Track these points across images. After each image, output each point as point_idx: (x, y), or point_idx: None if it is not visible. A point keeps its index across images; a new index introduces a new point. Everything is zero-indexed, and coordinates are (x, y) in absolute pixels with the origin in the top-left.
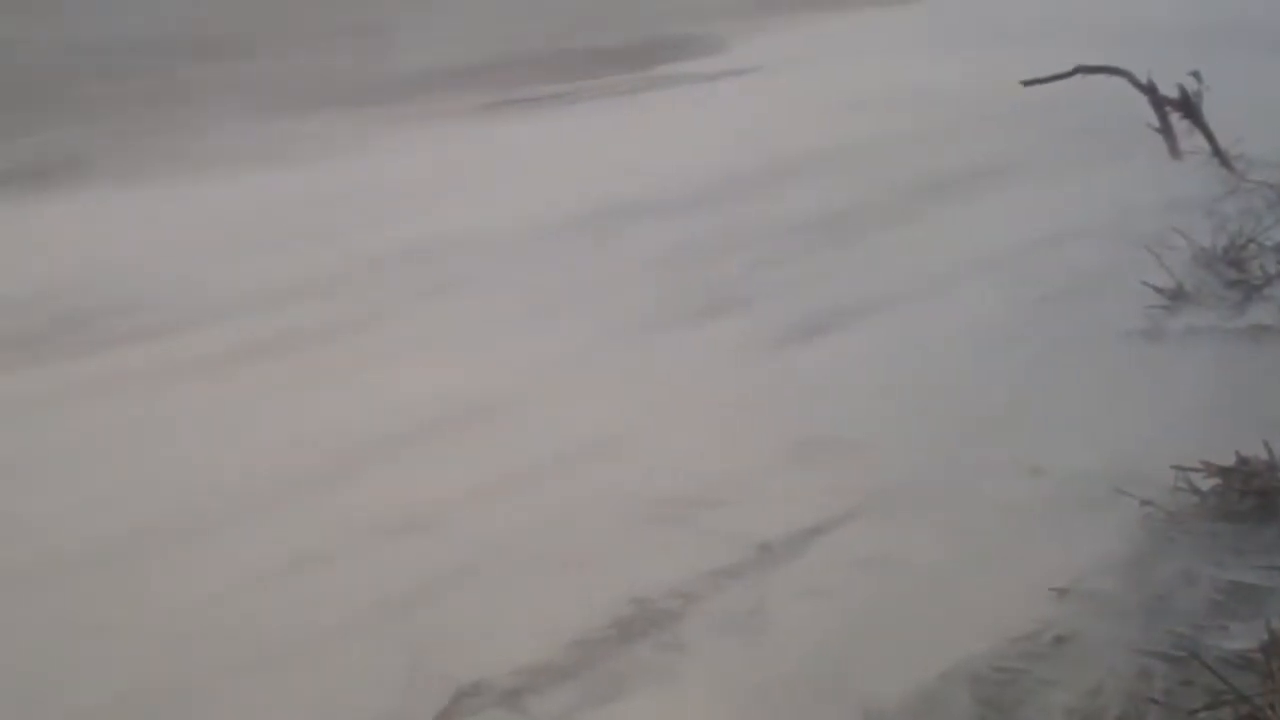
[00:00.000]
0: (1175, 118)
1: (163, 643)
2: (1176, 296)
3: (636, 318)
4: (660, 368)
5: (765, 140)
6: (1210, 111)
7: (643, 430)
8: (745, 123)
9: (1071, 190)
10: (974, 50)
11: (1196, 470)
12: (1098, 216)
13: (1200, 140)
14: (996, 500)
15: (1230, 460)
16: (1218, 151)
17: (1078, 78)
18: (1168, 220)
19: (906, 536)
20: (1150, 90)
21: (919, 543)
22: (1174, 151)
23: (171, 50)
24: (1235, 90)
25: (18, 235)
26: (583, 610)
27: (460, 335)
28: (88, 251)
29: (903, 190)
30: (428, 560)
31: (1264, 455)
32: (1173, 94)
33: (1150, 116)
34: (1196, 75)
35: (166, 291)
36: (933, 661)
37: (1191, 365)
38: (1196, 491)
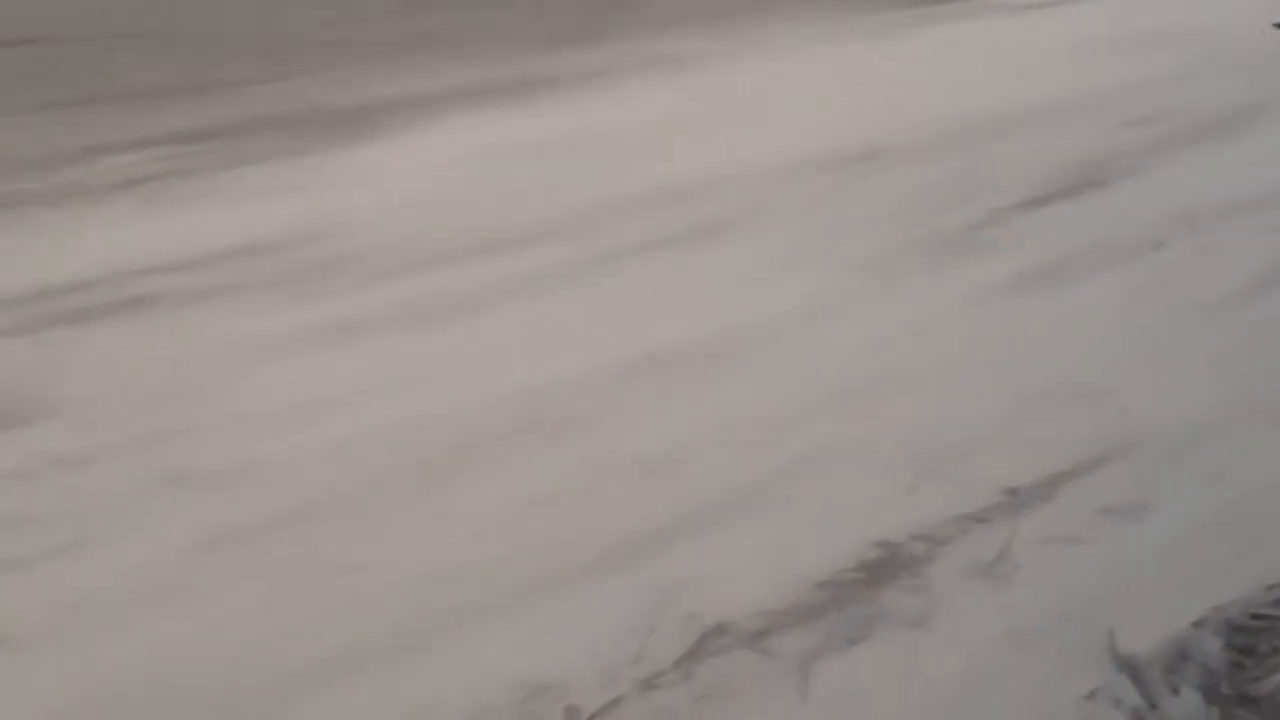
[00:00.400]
0: None
1: (407, 583)
2: None
3: (882, 263)
4: (906, 313)
5: (1023, 80)
6: None
7: (888, 376)
8: (1009, 60)
9: None
10: None
11: None
12: None
13: None
14: (1250, 446)
15: None
16: None
17: None
18: None
19: (1158, 483)
20: None
21: (1170, 489)
22: None
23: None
24: None
25: (294, 180)
26: (828, 553)
27: (706, 279)
28: (351, 196)
29: (1157, 134)
30: (674, 502)
31: None
32: None
33: None
34: None
35: (414, 234)
36: (1185, 609)
37: None
38: None
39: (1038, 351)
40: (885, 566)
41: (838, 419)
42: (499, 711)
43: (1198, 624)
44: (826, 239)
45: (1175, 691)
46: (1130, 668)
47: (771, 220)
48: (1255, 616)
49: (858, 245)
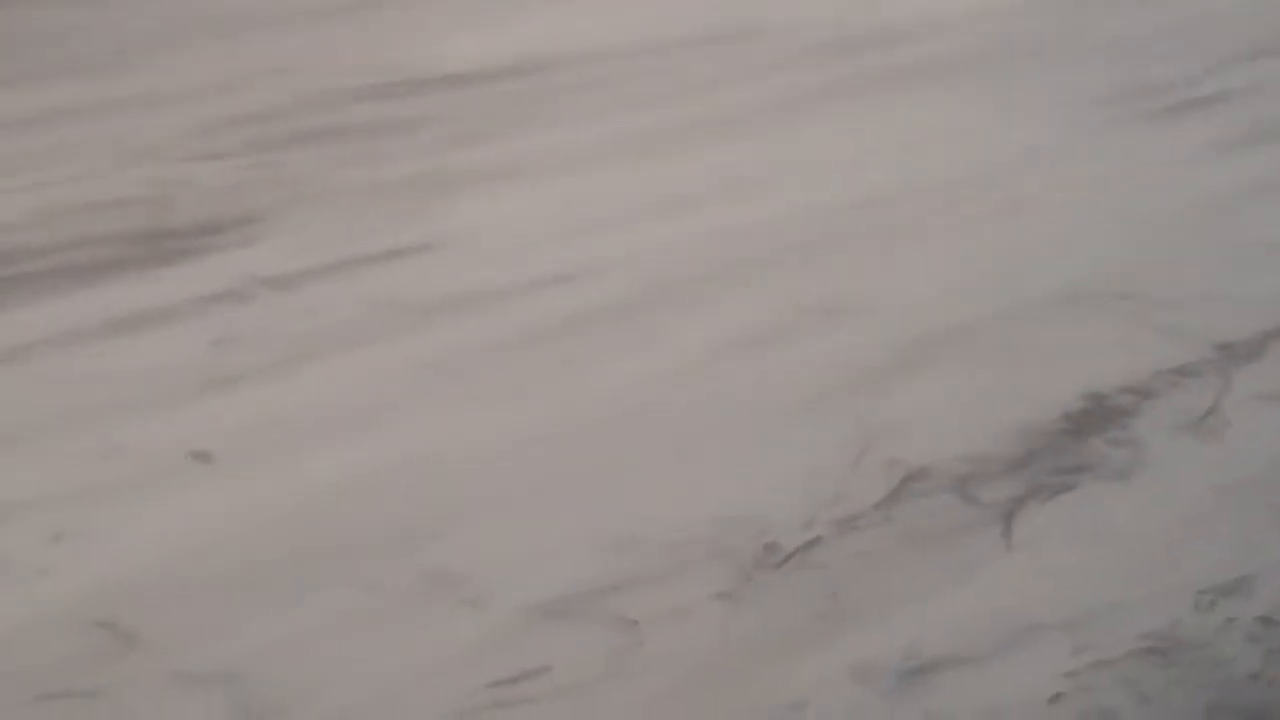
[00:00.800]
0: None
1: (612, 417)
2: None
3: (1096, 113)
4: (1118, 167)
5: None
6: None
7: (1100, 228)
8: None
9: None
10: None
11: None
12: None
13: None
14: None
15: None
16: None
17: None
18: None
19: None
20: None
21: None
22: None
23: None
24: None
25: None
26: (1034, 402)
27: (925, 122)
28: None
29: None
30: (877, 346)
31: None
32: None
33: None
34: None
35: (615, 72)
36: None
37: None
38: None
39: (1254, 207)
40: (1092, 417)
41: (1048, 269)
42: (699, 545)
43: None
44: (1038, 87)
45: None
46: None
47: (982, 66)
48: None
49: (1069, 95)
